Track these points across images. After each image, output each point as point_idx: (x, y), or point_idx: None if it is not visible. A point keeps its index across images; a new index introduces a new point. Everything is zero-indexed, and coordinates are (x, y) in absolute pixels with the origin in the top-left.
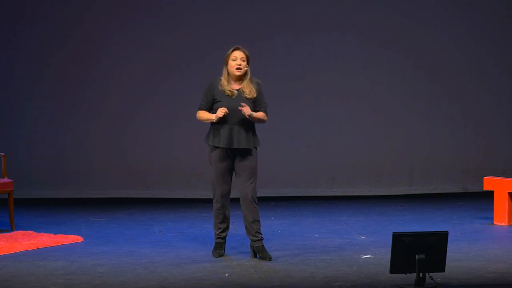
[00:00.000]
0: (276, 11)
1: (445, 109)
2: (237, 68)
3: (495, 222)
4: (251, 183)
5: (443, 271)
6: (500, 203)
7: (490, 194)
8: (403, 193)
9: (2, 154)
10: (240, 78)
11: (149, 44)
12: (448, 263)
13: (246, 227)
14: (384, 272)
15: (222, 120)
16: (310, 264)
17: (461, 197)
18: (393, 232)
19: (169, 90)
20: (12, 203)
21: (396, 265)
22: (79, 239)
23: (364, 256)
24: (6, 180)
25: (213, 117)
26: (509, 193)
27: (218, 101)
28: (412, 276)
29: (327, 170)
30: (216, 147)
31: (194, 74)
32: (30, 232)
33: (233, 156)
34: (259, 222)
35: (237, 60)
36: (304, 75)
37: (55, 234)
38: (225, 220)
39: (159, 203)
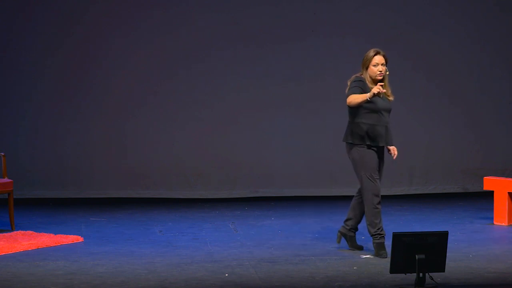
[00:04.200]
0: (276, 12)
1: (445, 109)
2: (379, 74)
3: (495, 222)
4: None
5: (443, 271)
6: (500, 203)
7: (490, 194)
8: (403, 193)
9: (2, 154)
10: (379, 81)
11: (149, 44)
12: (448, 263)
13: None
14: (384, 272)
15: (379, 120)
16: (310, 264)
17: (461, 197)
18: (393, 232)
19: (169, 90)
20: (12, 203)
21: (396, 265)
22: (79, 239)
23: (364, 256)
24: (6, 180)
25: (367, 96)
26: (509, 193)
27: (369, 101)
28: (412, 276)
29: (327, 170)
30: (371, 146)
31: (194, 74)
32: (30, 232)
33: (379, 154)
34: None
35: (378, 66)
36: (304, 75)
37: (55, 234)
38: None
39: (159, 203)
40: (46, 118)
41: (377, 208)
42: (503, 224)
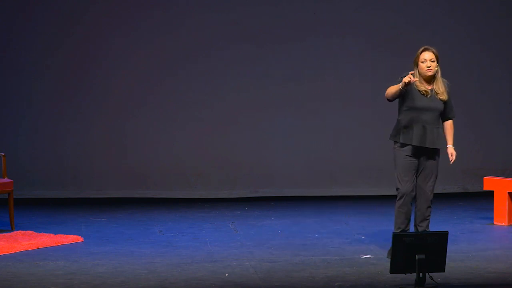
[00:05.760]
0: (276, 12)
1: None
2: (427, 69)
3: (495, 222)
4: (433, 182)
5: (443, 271)
6: (500, 203)
7: (490, 194)
8: None
9: (2, 154)
10: (431, 78)
11: (149, 44)
12: (448, 263)
13: (415, 225)
14: (384, 272)
15: (415, 119)
16: (310, 264)
17: (461, 197)
18: (393, 232)
19: (169, 90)
20: (12, 203)
21: (396, 265)
22: (79, 239)
23: (364, 256)
24: (6, 180)
25: (399, 86)
26: (509, 193)
27: (412, 99)
28: (412, 276)
29: (327, 170)
30: (406, 145)
31: (194, 74)
32: (30, 232)
33: (420, 154)
34: (429, 221)
35: (426, 62)
36: (304, 75)
37: (55, 234)
38: (406, 219)
39: (159, 203)
40: (46, 118)
41: (401, 209)
42: (503, 224)
